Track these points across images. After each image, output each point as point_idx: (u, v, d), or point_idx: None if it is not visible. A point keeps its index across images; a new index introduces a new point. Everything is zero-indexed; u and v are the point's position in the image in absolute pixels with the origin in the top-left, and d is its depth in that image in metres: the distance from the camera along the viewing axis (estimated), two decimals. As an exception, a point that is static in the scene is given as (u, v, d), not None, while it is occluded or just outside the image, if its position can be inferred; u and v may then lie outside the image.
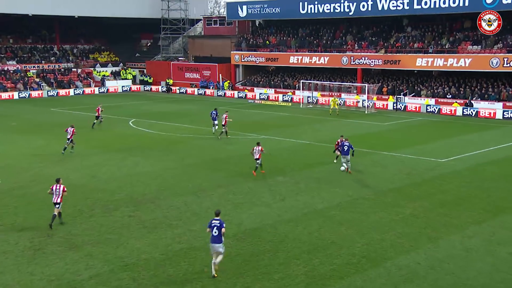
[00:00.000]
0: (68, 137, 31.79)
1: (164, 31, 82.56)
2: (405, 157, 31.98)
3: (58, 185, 20.06)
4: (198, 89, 72.14)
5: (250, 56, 69.45)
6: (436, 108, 53.10)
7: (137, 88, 77.64)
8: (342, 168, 27.90)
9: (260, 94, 65.93)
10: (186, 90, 73.12)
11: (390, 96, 57.38)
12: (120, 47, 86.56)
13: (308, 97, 60.71)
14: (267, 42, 69.75)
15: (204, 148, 34.65)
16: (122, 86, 76.69)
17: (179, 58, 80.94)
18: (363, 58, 59.99)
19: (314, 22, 68.46)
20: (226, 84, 70.77)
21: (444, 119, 49.01)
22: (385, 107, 56.25)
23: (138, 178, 26.82)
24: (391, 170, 28.72)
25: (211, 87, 72.13)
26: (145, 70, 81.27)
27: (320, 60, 63.33)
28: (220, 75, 72.46)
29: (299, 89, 62.54)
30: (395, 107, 55.44)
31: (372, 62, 59.47)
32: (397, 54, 57.91)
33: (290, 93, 64.19)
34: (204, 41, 77.95)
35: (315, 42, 65.81)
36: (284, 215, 21.28)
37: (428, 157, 31.69)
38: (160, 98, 67.90)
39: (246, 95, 66.86)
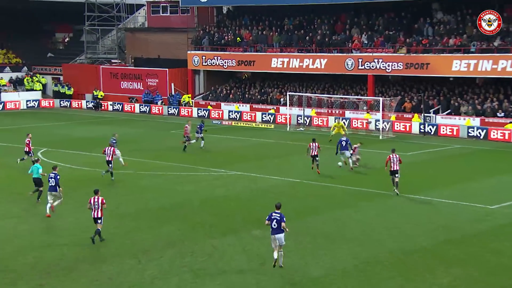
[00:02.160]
0: (108, 159, 36.60)
1: (90, 21, 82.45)
2: (439, 201, 32.16)
3: (97, 197, 25.08)
4: (140, 105, 72.49)
5: (215, 58, 69.83)
6: (482, 131, 53.68)
7: (49, 103, 77.59)
8: (340, 163, 37.67)
9: (229, 112, 66.16)
10: (122, 106, 73.53)
11: (415, 115, 57.97)
12: (23, 43, 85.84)
13: (298, 116, 61.21)
14: (238, 38, 70.07)
15: (149, 189, 34.65)
16: (27, 101, 76.45)
17: (113, 61, 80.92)
18: (376, 60, 60.61)
19: (305, 9, 68.81)
20: (186, 97, 71.33)
21: (493, 147, 49.54)
22: (407, 129, 56.95)
23: (51, 235, 26.65)
24: (419, 220, 28.80)
25: (159, 102, 72.16)
26: (61, 78, 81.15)
27: (315, 63, 63.90)
28: (173, 84, 73.02)
29: (285, 105, 62.70)
30: (422, 130, 55.96)
31: (389, 66, 60.11)
32: (425, 54, 58.39)
33: (272, 111, 64.57)
34: (148, 37, 78.21)
35: (307, 38, 66.16)
36: (266, 287, 21.07)
37: (472, 203, 31.86)
38: (85, 118, 67.90)
39: (209, 113, 67.36)
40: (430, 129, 55.90)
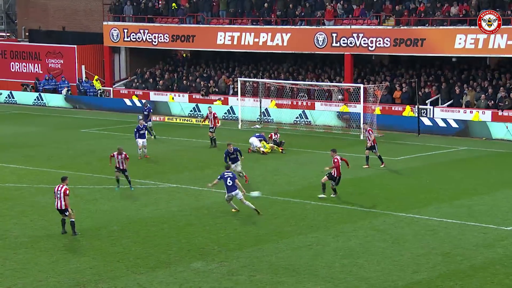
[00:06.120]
0: (120, 166, 37.76)
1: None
2: (439, 222, 32.09)
3: (61, 185, 29.86)
4: (38, 94, 72.30)
5: (141, 31, 70.21)
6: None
7: None
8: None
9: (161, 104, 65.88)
10: (12, 96, 73.70)
11: (407, 107, 58.35)
12: None
13: (256, 109, 61.41)
14: (174, 4, 70.33)
15: (50, 209, 32.77)
16: None
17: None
18: (355, 35, 60.83)
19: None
20: (95, 82, 71.01)
21: (511, 149, 49.77)
22: (397, 126, 56.94)
23: None
24: (413, 247, 28.65)
25: (64, 91, 72.54)
26: None
27: (275, 39, 64.30)
28: (83, 67, 73.12)
29: (235, 94, 63.01)
30: (417, 127, 55.72)
31: (372, 43, 60.37)
32: (420, 27, 58.58)
33: (218, 102, 64.70)
34: (49, 1, 77.33)
35: (264, 4, 66.22)
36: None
37: (481, 223, 31.80)
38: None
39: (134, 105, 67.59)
40: (427, 125, 55.85)
